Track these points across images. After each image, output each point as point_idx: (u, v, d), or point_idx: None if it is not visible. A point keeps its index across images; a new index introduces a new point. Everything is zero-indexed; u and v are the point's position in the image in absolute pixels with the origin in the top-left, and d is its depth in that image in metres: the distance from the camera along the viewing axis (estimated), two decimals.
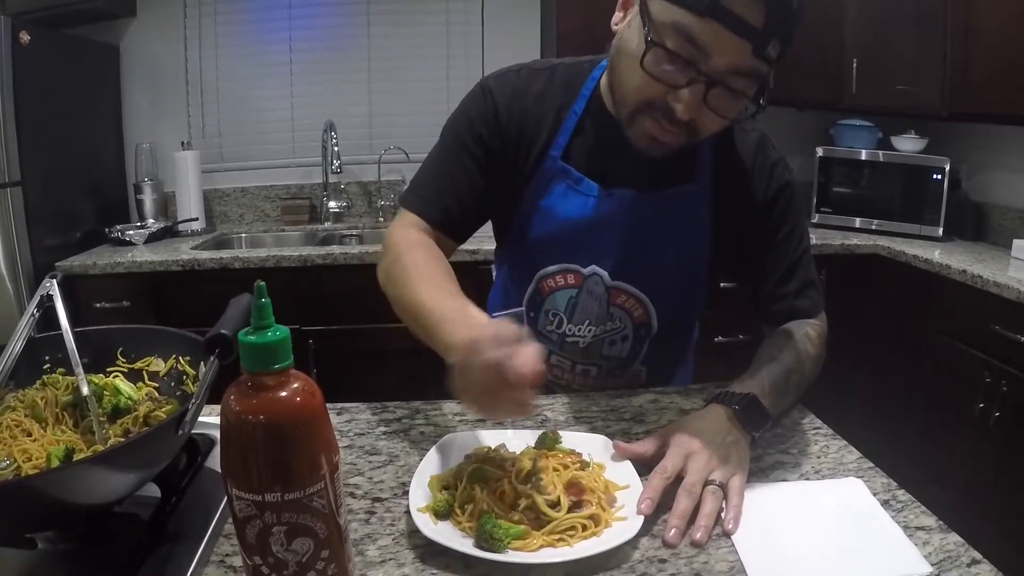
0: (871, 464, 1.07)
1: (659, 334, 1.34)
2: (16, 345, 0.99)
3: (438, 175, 1.28)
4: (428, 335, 1.02)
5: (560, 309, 1.32)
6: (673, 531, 0.88)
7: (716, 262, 1.33)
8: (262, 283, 0.63)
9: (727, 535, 0.89)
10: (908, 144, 3.44)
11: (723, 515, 0.92)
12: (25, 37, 2.72)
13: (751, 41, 0.98)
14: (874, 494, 0.97)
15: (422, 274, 1.12)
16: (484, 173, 1.26)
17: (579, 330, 1.32)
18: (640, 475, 0.98)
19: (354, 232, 3.60)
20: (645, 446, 1.03)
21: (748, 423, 1.06)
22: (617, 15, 1.13)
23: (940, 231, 3.29)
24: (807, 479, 1.03)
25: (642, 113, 1.10)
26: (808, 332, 1.27)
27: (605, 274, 1.27)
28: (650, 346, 1.36)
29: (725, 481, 0.96)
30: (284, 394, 0.64)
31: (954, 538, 0.88)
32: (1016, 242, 2.99)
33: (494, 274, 1.55)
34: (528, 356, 0.82)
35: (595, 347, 1.34)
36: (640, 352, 1.36)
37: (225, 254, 2.99)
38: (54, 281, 1.02)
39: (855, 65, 3.34)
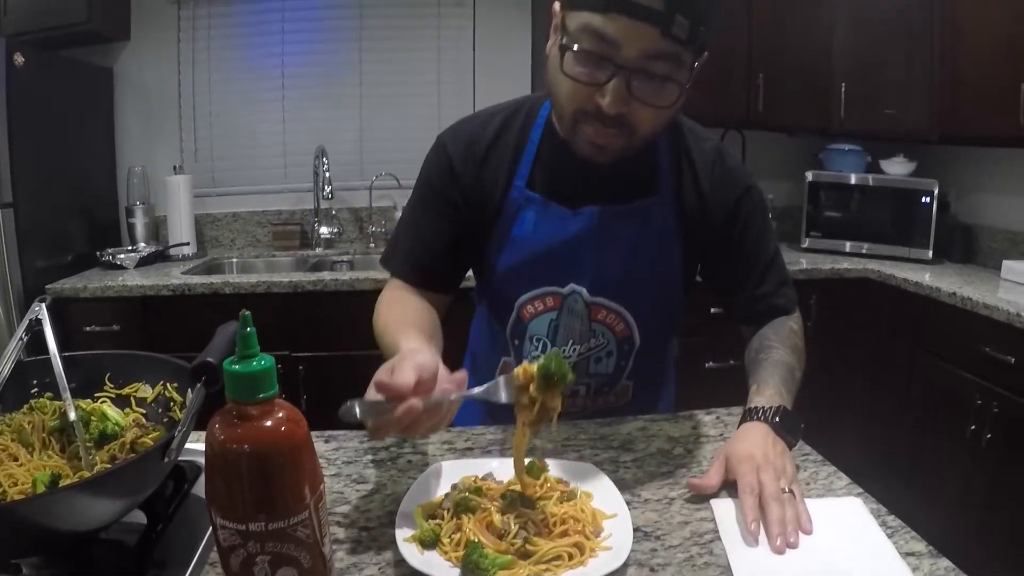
0: (861, 489, 1.07)
1: (642, 347, 1.36)
2: (4, 369, 0.99)
3: (409, 236, 1.34)
4: None
5: (543, 334, 1.34)
6: (779, 540, 0.93)
7: (689, 270, 1.36)
8: (247, 312, 0.64)
9: (807, 534, 0.95)
10: (897, 167, 3.46)
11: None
12: (20, 59, 2.72)
13: (655, 24, 1.01)
14: None
15: (386, 323, 1.21)
16: (453, 225, 1.31)
17: (564, 351, 1.33)
18: (628, 504, 0.98)
19: (345, 258, 3.60)
20: (713, 479, 1.06)
21: (787, 433, 1.13)
22: (549, 41, 1.17)
23: (930, 254, 3.30)
24: None
25: (579, 122, 1.14)
26: (792, 327, 1.35)
27: (584, 291, 1.29)
28: (635, 360, 1.37)
29: (789, 488, 1.01)
30: (269, 424, 0.64)
31: (944, 563, 0.88)
32: (1005, 263, 3.00)
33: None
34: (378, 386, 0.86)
35: (581, 366, 1.35)
36: (626, 367, 1.37)
37: (216, 279, 2.99)
38: (43, 305, 1.02)
39: (843, 90, 3.37)
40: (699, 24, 1.03)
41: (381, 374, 0.89)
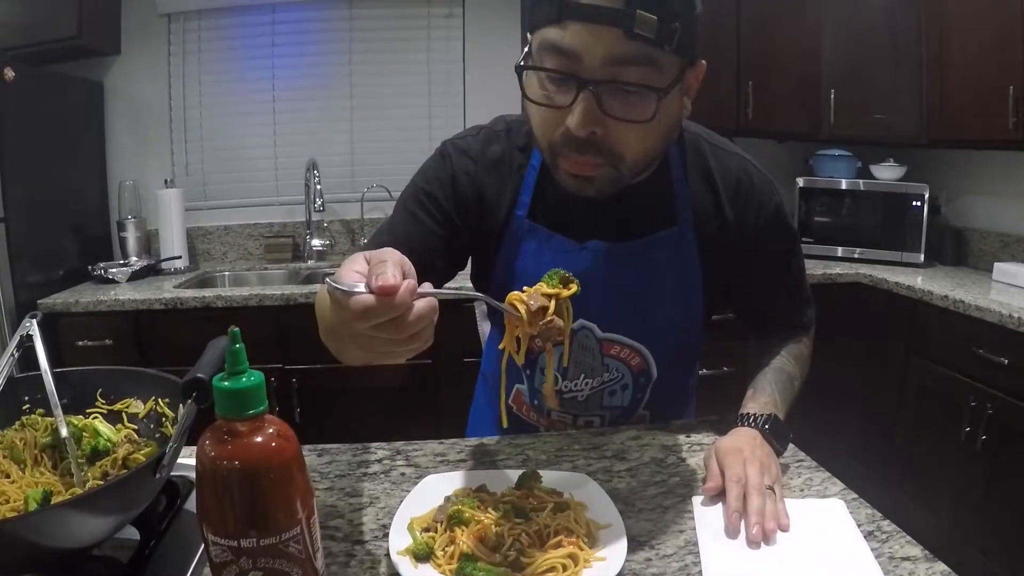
0: (855, 495, 1.07)
1: (660, 378, 1.30)
2: None
3: (392, 231, 1.21)
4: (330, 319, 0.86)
5: (554, 366, 1.26)
6: (756, 528, 0.94)
7: (710, 297, 1.28)
8: (236, 329, 0.63)
9: (783, 531, 0.96)
10: (887, 172, 3.48)
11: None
12: (10, 73, 2.72)
13: (616, 24, 0.91)
14: (858, 525, 0.98)
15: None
16: (440, 229, 1.20)
17: (575, 384, 1.29)
18: (622, 514, 0.98)
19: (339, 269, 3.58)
20: (717, 480, 1.05)
21: (776, 441, 1.14)
22: None
23: (921, 257, 3.32)
24: None
25: (557, 155, 1.04)
26: (801, 337, 1.35)
27: (595, 327, 1.23)
28: (652, 391, 1.32)
29: (771, 486, 1.02)
30: (259, 440, 0.64)
31: (940, 567, 0.88)
32: (997, 265, 3.02)
33: (482, 331, 1.52)
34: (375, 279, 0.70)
35: (595, 399, 1.31)
36: (643, 399, 1.33)
37: (208, 293, 2.98)
38: (34, 321, 1.01)
39: (833, 96, 3.39)
40: (670, 20, 0.92)
41: (355, 264, 0.76)
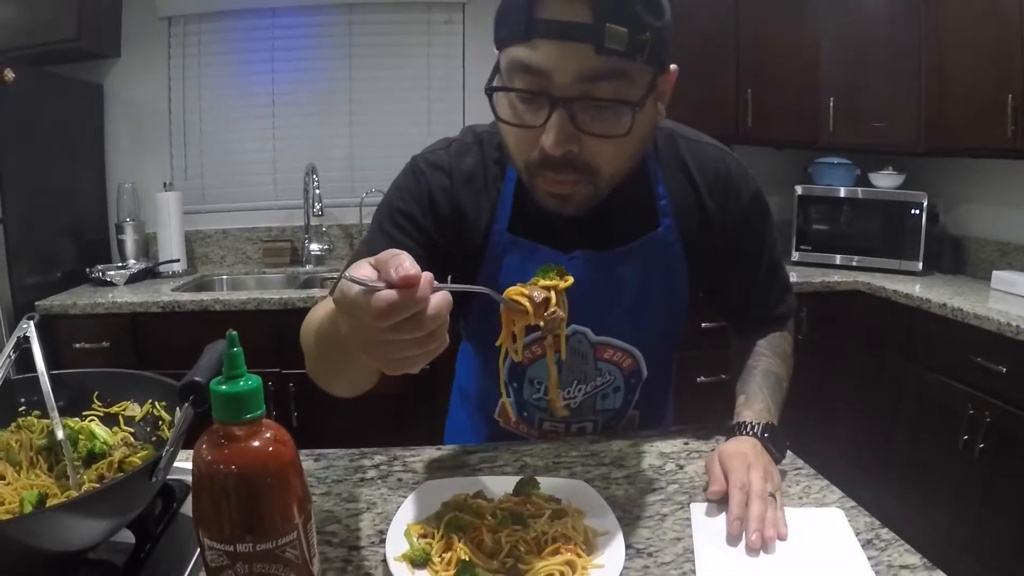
0: (853, 503, 1.07)
1: (649, 377, 1.30)
2: None
3: (370, 253, 1.09)
4: (331, 341, 0.86)
5: (544, 376, 1.24)
6: (756, 534, 0.94)
7: (695, 293, 1.28)
8: (234, 332, 0.63)
9: (781, 539, 0.96)
10: (885, 180, 3.48)
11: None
12: (10, 74, 2.71)
13: (586, 40, 0.89)
14: (857, 533, 0.97)
15: (328, 312, 0.92)
16: (421, 250, 1.14)
17: (568, 392, 1.27)
18: (620, 521, 0.98)
19: (335, 275, 3.57)
20: (721, 483, 1.05)
21: (775, 449, 1.14)
22: None
23: (920, 265, 3.32)
24: None
25: (535, 176, 1.03)
26: (782, 333, 1.35)
27: (588, 331, 1.21)
28: (642, 390, 1.32)
29: (773, 493, 1.02)
30: (256, 444, 0.64)
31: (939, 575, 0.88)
32: (995, 273, 3.03)
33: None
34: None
35: (587, 404, 1.30)
36: (633, 399, 1.32)
37: (206, 296, 2.97)
38: (31, 323, 1.01)
39: (832, 104, 3.40)
40: (640, 31, 0.91)
41: (361, 269, 0.71)
